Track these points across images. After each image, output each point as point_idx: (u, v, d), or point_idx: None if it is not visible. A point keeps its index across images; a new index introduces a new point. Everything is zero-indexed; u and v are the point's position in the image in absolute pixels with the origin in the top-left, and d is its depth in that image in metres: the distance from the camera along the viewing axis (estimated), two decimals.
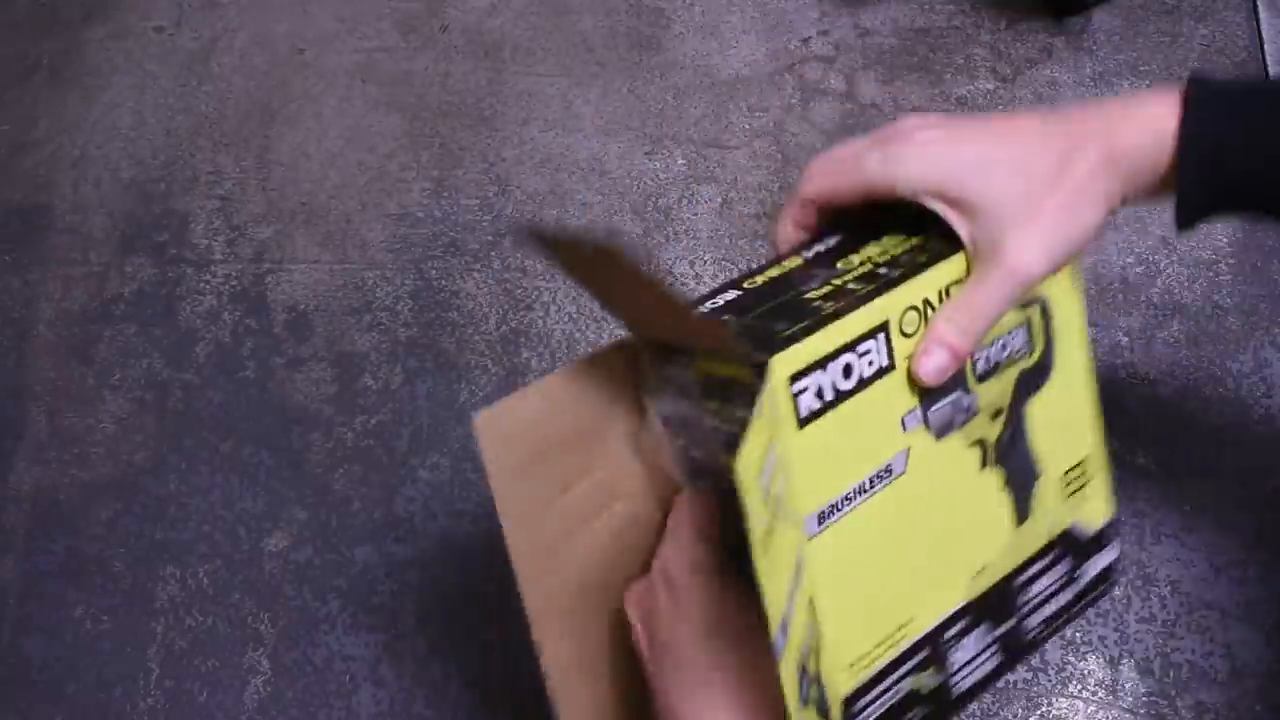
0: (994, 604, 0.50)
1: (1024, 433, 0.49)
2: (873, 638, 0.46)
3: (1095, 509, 0.52)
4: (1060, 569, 0.52)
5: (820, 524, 0.44)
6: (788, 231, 0.49)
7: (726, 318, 0.44)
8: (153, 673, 0.73)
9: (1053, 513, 0.50)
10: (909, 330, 0.44)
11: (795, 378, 0.41)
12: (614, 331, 0.81)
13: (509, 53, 0.93)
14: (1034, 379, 0.48)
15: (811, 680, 0.43)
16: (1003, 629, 0.50)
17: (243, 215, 0.87)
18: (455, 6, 0.95)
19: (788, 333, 0.42)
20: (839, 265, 0.46)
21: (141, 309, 0.84)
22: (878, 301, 0.43)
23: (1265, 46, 0.86)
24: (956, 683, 0.49)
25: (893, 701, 0.47)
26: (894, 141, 0.45)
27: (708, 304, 0.45)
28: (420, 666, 0.72)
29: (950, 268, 0.45)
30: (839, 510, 0.44)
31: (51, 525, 0.77)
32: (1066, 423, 0.50)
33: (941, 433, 0.46)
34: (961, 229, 0.44)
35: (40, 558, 0.76)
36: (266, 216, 0.87)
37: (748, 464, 0.37)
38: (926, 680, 0.48)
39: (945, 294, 0.44)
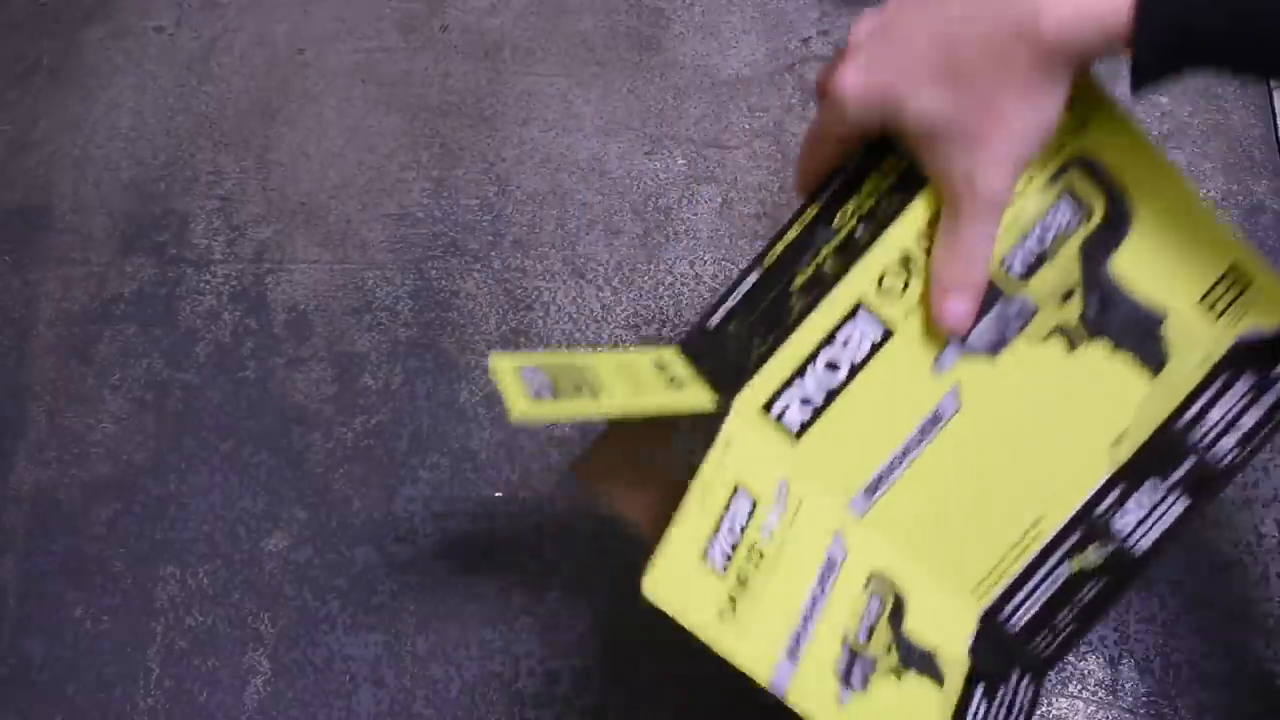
0: (1155, 457, 0.48)
1: (1117, 292, 0.46)
2: (994, 554, 0.46)
3: (1269, 308, 0.48)
4: (1239, 386, 0.48)
5: (872, 495, 0.44)
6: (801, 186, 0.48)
7: (731, 326, 0.44)
8: (153, 673, 0.73)
9: (1203, 342, 0.47)
10: (894, 290, 0.43)
11: (769, 405, 0.42)
12: (613, 332, 0.81)
13: (509, 53, 0.93)
14: (1106, 238, 0.45)
15: (886, 648, 0.43)
16: (1179, 473, 0.48)
17: (243, 215, 0.87)
18: (455, 6, 0.95)
19: (759, 351, 0.42)
20: (835, 223, 0.45)
21: (141, 309, 0.84)
22: (845, 281, 0.42)
23: None
24: (1134, 544, 0.49)
25: (1053, 590, 0.47)
26: (833, 90, 0.42)
27: (729, 298, 0.45)
28: (420, 666, 0.72)
29: (927, 198, 0.43)
30: (888, 477, 0.44)
31: (51, 525, 0.77)
32: (1180, 252, 0.46)
33: (996, 348, 0.45)
34: (920, 160, 0.42)
35: (40, 558, 0.76)
36: (266, 216, 0.87)
37: (667, 576, 0.36)
38: (1091, 557, 0.48)
39: (928, 230, 0.43)
